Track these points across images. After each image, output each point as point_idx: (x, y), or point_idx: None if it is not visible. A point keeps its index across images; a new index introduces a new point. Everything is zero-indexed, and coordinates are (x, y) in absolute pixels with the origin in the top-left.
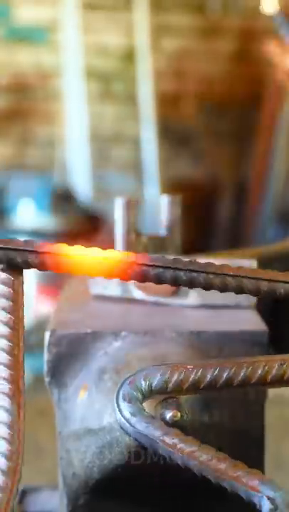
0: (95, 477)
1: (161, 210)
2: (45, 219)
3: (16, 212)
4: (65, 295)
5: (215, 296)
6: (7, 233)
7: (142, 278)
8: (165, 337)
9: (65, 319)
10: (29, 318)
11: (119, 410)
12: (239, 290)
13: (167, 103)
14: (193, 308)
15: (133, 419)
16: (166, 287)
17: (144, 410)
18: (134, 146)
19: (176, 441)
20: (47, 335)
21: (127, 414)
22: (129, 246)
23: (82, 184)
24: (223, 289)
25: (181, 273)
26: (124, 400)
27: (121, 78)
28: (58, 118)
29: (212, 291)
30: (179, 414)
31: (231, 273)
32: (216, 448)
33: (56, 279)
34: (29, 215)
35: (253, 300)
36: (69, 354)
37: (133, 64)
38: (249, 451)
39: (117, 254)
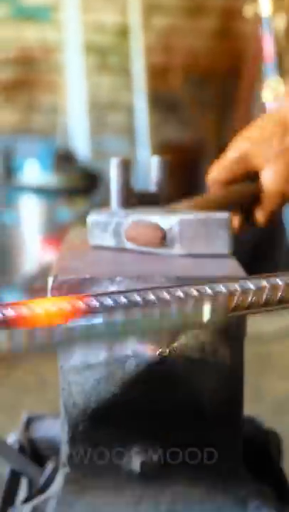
0: (92, 406)
1: (151, 169)
2: (48, 177)
3: (22, 171)
4: (66, 245)
5: (198, 247)
6: (15, 190)
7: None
8: (155, 282)
9: (66, 266)
10: (34, 265)
11: None
12: None
13: (157, 75)
14: (179, 257)
15: None
16: (153, 239)
17: None
18: (127, 113)
19: None
20: (50, 280)
21: None
22: (123, 201)
23: (81, 146)
24: None
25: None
26: None
27: (116, 52)
28: (60, 88)
29: (196, 241)
30: (167, 350)
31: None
32: (200, 383)
33: (58, 231)
34: (34, 174)
35: (230, 249)
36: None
37: (127, 40)
38: (230, 384)
39: (63, 303)
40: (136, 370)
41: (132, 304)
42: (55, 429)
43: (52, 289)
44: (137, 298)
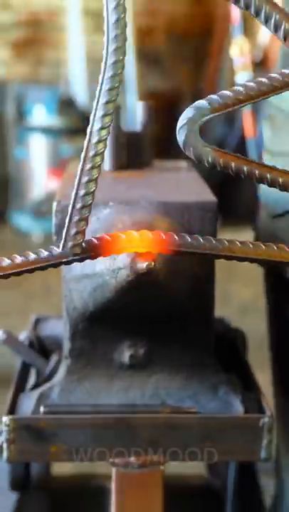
0: (89, 309)
1: (137, 113)
2: (53, 119)
3: (31, 114)
4: (67, 175)
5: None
6: (25, 130)
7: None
8: (141, 206)
9: (68, 193)
10: (41, 192)
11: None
12: None
13: (143, 34)
14: (161, 181)
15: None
16: None
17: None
18: None
19: None
20: (54, 205)
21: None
22: (115, 140)
23: (80, 93)
24: None
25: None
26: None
27: None
28: (63, 45)
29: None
30: (153, 263)
31: None
32: (180, 290)
33: (61, 164)
34: (41, 117)
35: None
36: None
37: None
38: (203, 290)
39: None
40: (127, 279)
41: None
42: (58, 328)
43: (56, 212)
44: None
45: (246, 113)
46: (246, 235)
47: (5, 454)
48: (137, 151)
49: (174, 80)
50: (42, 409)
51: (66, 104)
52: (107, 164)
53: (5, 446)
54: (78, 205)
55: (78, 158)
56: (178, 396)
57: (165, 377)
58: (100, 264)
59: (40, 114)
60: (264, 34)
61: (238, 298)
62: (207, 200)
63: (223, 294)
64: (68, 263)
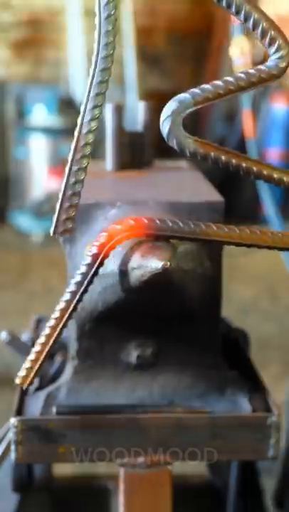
0: (98, 309)
1: (139, 113)
2: (53, 119)
3: (32, 114)
4: None
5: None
6: (26, 130)
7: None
8: (148, 206)
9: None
10: (41, 192)
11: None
12: None
13: (144, 34)
14: (165, 181)
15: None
16: None
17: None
18: (119, 65)
19: None
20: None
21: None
22: (116, 138)
23: (80, 93)
24: None
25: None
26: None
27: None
28: (63, 45)
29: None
30: (168, 262)
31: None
32: (190, 289)
33: (61, 164)
34: (41, 116)
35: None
36: (78, 219)
37: (118, 4)
38: (212, 289)
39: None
40: (140, 279)
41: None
42: None
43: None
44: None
45: (246, 113)
46: None
47: (13, 455)
48: (138, 151)
49: (174, 79)
50: (54, 409)
51: (66, 104)
52: (109, 164)
53: (13, 447)
54: (68, 193)
55: None
56: (186, 396)
57: (172, 377)
58: (111, 265)
59: (40, 114)
60: None
61: (238, 297)
62: (215, 200)
63: (224, 293)
64: None
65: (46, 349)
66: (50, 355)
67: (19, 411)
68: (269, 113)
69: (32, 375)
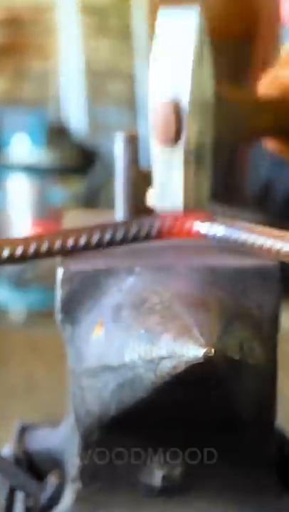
0: (111, 414)
1: None
2: (39, 154)
3: (10, 147)
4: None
5: None
6: (2, 168)
7: None
8: (177, 272)
9: (76, 255)
10: None
11: None
12: None
13: None
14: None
15: None
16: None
17: None
18: (129, 80)
19: None
20: (60, 272)
21: None
22: (130, 181)
23: (76, 119)
24: None
25: None
26: None
27: (116, 13)
28: (53, 52)
29: None
30: (212, 350)
31: None
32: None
33: (50, 215)
34: (23, 150)
35: None
36: (82, 291)
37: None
38: (265, 386)
39: None
40: (171, 373)
41: None
42: (53, 439)
43: (62, 281)
44: None
45: None
46: None
47: None
48: None
49: None
50: None
51: (57, 134)
52: (119, 212)
53: None
54: None
55: (74, 206)
56: None
57: (210, 505)
58: (130, 352)
59: (22, 147)
60: None
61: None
62: (267, 265)
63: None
64: None
65: None
66: (40, 476)
67: None
68: None
69: None
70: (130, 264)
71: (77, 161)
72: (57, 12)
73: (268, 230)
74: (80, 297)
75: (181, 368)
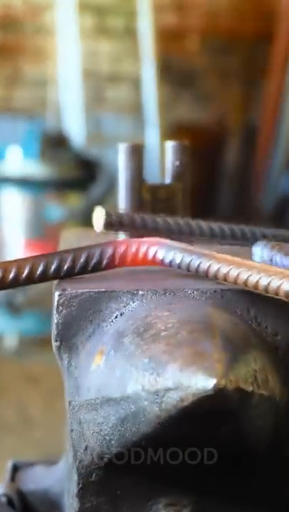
0: (112, 451)
1: (166, 156)
2: (34, 166)
3: (3, 159)
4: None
5: None
6: None
7: None
8: (186, 296)
9: (74, 277)
10: None
11: None
12: None
13: (169, 39)
14: None
15: None
16: None
17: None
18: (132, 86)
19: None
20: (56, 295)
21: None
22: (134, 195)
23: (75, 128)
24: None
25: None
26: None
27: (118, 11)
28: (50, 55)
29: None
30: (223, 381)
31: None
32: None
33: (46, 232)
34: (17, 163)
35: None
36: (80, 316)
37: None
38: (279, 419)
39: None
40: (177, 405)
41: None
42: (47, 479)
43: (58, 305)
44: None
45: None
46: None
47: None
48: (165, 212)
49: (215, 107)
50: None
51: (53, 145)
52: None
53: None
54: None
55: (73, 223)
56: None
57: None
58: (133, 383)
59: (16, 159)
60: None
61: None
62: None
63: None
64: None
65: None
66: None
67: None
68: None
69: None
70: (133, 287)
71: (75, 174)
72: (54, 11)
73: (227, 256)
74: (78, 323)
75: (189, 400)
